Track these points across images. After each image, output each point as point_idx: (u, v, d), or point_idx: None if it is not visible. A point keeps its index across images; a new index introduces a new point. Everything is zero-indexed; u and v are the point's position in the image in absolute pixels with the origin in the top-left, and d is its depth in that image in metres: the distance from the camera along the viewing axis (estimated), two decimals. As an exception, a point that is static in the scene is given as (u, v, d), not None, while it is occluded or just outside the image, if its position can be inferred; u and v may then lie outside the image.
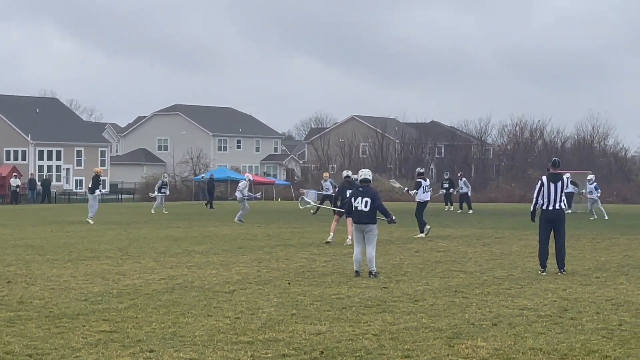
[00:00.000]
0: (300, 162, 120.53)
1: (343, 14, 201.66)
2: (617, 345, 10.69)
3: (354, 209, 17.53)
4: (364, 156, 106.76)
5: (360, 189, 17.72)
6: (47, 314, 12.72)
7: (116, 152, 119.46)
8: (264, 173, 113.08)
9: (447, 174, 54.27)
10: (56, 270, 18.14)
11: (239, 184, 37.26)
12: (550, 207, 17.94)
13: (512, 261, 20.34)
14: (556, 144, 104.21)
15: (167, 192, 48.74)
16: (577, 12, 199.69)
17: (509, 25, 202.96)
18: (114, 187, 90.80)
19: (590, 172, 46.83)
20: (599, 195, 41.58)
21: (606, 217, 40.00)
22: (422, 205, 28.41)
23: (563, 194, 18.06)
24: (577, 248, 23.41)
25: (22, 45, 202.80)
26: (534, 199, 18.18)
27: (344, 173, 27.36)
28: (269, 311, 12.99)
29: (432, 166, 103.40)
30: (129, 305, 13.56)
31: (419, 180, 28.76)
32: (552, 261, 18.11)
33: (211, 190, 57.70)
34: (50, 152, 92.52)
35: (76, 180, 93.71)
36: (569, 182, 18.07)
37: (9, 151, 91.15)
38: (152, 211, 45.92)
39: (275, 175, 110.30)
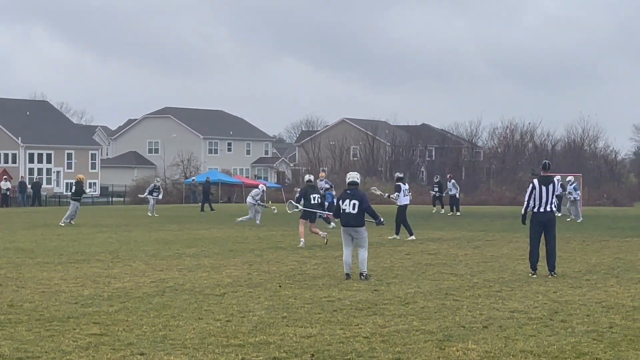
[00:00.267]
0: (291, 164, 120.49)
1: (333, 17, 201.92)
2: (608, 347, 10.71)
3: (341, 211, 17.55)
4: (355, 159, 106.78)
5: (348, 191, 17.75)
6: (38, 317, 12.70)
7: (107, 155, 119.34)
8: (255, 176, 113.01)
9: (437, 177, 54.28)
10: (47, 274, 18.11)
11: (253, 191, 38.36)
12: (542, 210, 17.98)
13: (502, 264, 20.37)
14: (547, 147, 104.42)
15: (160, 197, 48.59)
16: (567, 14, 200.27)
17: (499, 28, 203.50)
18: (104, 190, 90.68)
19: (572, 174, 46.85)
20: (578, 196, 41.59)
21: (580, 220, 39.88)
22: (403, 208, 28.44)
23: (554, 197, 18.10)
24: (567, 250, 23.45)
25: (11, 47, 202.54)
26: (526, 202, 18.21)
27: (306, 177, 27.97)
28: (260, 314, 12.99)
29: (422, 169, 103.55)
30: (120, 308, 13.54)
31: (399, 184, 28.85)
32: (542, 264, 18.14)
33: (207, 193, 57.59)
34: (40, 155, 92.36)
35: (66, 183, 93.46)
36: (559, 185, 18.19)
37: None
38: (150, 214, 45.63)
39: (266, 178, 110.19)
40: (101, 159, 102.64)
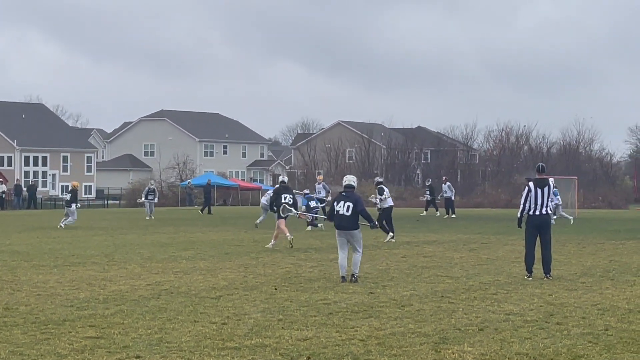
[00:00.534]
0: (287, 167, 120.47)
1: (329, 19, 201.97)
2: (603, 350, 10.72)
3: (335, 213, 17.55)
4: (351, 161, 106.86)
5: (344, 193, 17.76)
6: (33, 320, 12.69)
7: (102, 157, 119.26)
8: (251, 179, 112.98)
9: (429, 181, 54.29)
10: (42, 277, 18.09)
11: (268, 192, 38.62)
12: (537, 212, 17.99)
13: (498, 266, 20.37)
14: (542, 150, 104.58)
15: (156, 200, 48.53)
16: (562, 16, 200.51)
17: (495, 30, 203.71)
18: (100, 193, 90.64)
19: (566, 177, 46.82)
20: (559, 200, 41.43)
21: (553, 223, 39.61)
22: (387, 210, 28.50)
23: (550, 199, 18.12)
24: (563, 253, 23.46)
25: (6, 50, 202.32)
26: (522, 205, 18.22)
27: (279, 177, 28.12)
28: (256, 317, 12.99)
29: (418, 172, 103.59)
30: (115, 311, 13.53)
31: (381, 186, 28.99)
32: (538, 266, 18.15)
33: (208, 196, 57.65)
34: (36, 158, 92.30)
35: (62, 186, 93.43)
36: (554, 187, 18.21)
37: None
38: (148, 217, 45.49)
39: (262, 181, 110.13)
40: (97, 162, 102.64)
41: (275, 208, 26.27)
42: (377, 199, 29.16)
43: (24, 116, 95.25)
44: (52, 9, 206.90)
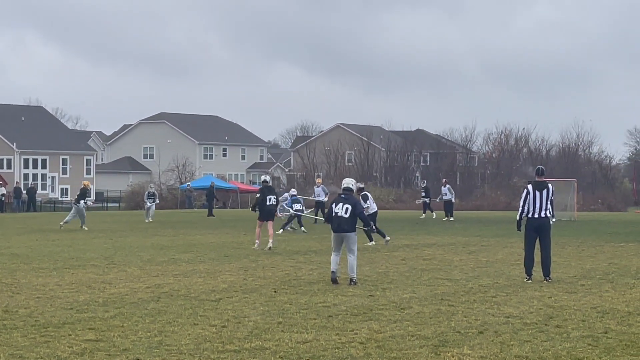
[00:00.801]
0: (286, 170, 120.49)
1: (328, 22, 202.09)
2: (603, 352, 10.73)
3: (333, 214, 17.58)
4: (350, 164, 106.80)
5: (342, 195, 17.80)
6: (33, 323, 12.69)
7: (102, 160, 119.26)
8: (250, 181, 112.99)
9: (424, 183, 54.20)
10: (42, 279, 18.09)
11: (282, 196, 38.55)
12: (536, 215, 18.00)
13: (497, 269, 20.38)
14: (541, 152, 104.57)
15: (157, 201, 48.50)
16: (561, 19, 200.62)
17: (493, 33, 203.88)
18: (99, 196, 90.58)
19: (566, 179, 46.76)
20: None
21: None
22: (372, 216, 28.48)
23: (549, 202, 18.11)
24: (562, 256, 23.46)
25: (5, 52, 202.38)
26: (520, 208, 18.23)
27: (262, 177, 28.06)
28: (255, 320, 12.99)
29: (417, 174, 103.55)
30: (115, 314, 13.53)
31: (365, 193, 28.88)
32: (537, 269, 18.16)
33: (211, 198, 57.77)
34: (35, 161, 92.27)
35: (62, 189, 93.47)
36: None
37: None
38: (146, 220, 45.37)
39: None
40: (96, 165, 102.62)
41: (256, 208, 26.38)
42: (365, 205, 29.13)
43: (23, 119, 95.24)
44: (51, 11, 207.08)
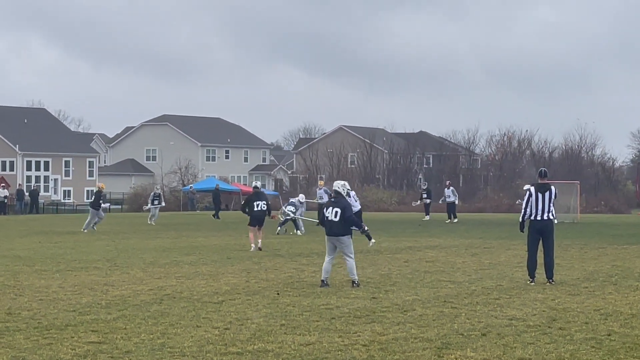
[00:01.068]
0: (289, 172, 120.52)
1: (330, 24, 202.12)
2: (606, 355, 10.71)
3: (325, 219, 17.59)
4: (353, 166, 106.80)
5: (333, 199, 17.81)
6: (36, 325, 12.69)
7: (104, 162, 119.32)
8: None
9: (426, 184, 54.09)
10: (44, 281, 18.09)
11: (290, 201, 38.73)
12: (539, 217, 17.98)
13: (500, 271, 20.36)
14: (544, 154, 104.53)
15: (163, 203, 48.51)
16: (563, 21, 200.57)
17: (495, 35, 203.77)
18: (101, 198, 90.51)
19: (569, 181, 46.68)
20: None
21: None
22: (357, 214, 28.50)
23: (552, 204, 18.09)
24: (565, 258, 23.44)
25: (8, 55, 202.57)
26: (523, 210, 18.22)
27: (253, 183, 28.26)
28: (258, 322, 12.98)
29: (420, 176, 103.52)
30: (118, 316, 13.53)
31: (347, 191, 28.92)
32: (540, 271, 18.13)
33: (217, 201, 57.89)
34: (38, 163, 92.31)
35: (64, 191, 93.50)
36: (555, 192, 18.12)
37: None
38: (152, 222, 45.28)
39: (263, 186, 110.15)
40: (99, 167, 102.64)
41: (246, 209, 26.56)
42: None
43: (26, 121, 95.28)
44: (53, 13, 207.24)
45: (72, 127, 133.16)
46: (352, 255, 17.56)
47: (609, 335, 12.00)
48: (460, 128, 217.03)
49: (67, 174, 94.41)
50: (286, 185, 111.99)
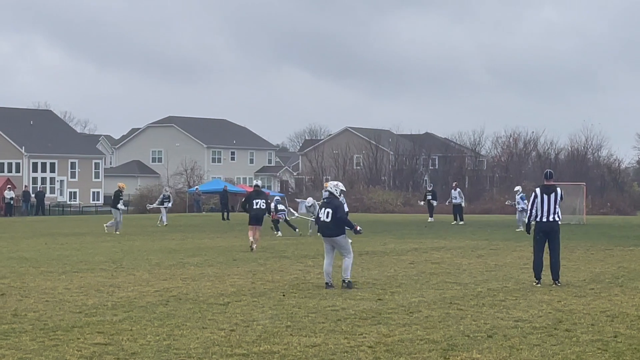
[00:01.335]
0: (295, 173, 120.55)
1: (335, 26, 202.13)
2: (612, 357, 10.69)
3: (318, 220, 17.63)
4: (358, 168, 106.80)
5: (325, 200, 17.82)
6: (42, 326, 12.70)
7: (110, 164, 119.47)
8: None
9: (431, 185, 53.95)
10: (50, 283, 18.10)
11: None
12: (545, 219, 17.96)
13: (506, 273, 20.34)
14: (550, 156, 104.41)
15: (170, 205, 48.55)
16: (569, 22, 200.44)
17: (501, 36, 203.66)
18: (108, 199, 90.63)
19: (574, 183, 46.54)
20: (525, 206, 41.01)
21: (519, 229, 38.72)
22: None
23: (557, 206, 18.07)
24: (571, 259, 23.41)
25: (13, 57, 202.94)
26: (528, 211, 18.22)
27: (254, 182, 28.47)
28: (264, 323, 12.98)
29: (426, 178, 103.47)
30: (124, 317, 13.54)
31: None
32: (546, 273, 18.11)
33: (225, 202, 58.03)
34: (44, 164, 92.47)
35: (70, 192, 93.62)
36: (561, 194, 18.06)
37: (3, 163, 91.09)
38: (161, 224, 45.14)
39: (269, 187, 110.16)
40: (105, 168, 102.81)
41: (247, 206, 26.83)
42: None
43: (32, 122, 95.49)
44: (58, 15, 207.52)
45: (78, 129, 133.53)
46: (350, 255, 17.54)
47: (615, 337, 11.99)
48: (465, 129, 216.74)
49: (73, 175, 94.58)
50: (292, 186, 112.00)
